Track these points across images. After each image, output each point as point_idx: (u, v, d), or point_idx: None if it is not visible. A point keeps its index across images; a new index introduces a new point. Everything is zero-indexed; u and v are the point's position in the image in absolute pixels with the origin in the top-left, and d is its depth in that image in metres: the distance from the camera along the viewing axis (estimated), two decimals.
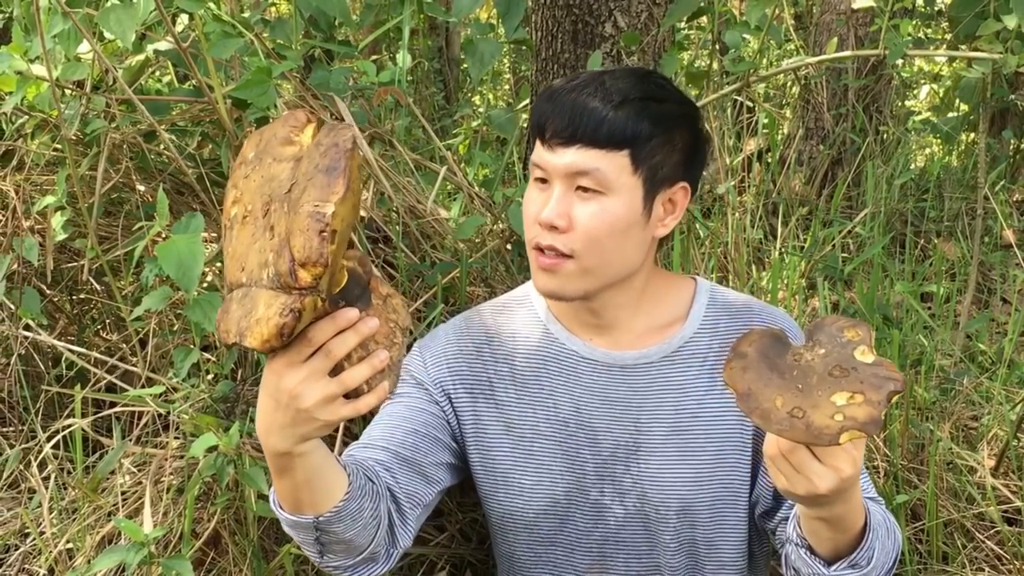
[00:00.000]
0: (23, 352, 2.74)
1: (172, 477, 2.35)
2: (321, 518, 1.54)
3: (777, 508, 1.82)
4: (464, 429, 1.91)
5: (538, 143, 1.74)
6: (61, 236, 2.41)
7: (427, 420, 1.86)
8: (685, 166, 1.78)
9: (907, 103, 6.49)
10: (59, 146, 2.45)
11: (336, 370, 1.33)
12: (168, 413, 2.37)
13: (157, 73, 2.91)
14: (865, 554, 1.55)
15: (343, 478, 1.56)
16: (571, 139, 1.68)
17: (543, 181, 1.74)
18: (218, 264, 2.67)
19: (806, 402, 1.32)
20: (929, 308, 3.72)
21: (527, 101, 3.19)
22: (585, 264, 1.72)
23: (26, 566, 2.46)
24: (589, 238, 1.70)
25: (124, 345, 2.81)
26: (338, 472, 1.55)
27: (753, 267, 3.56)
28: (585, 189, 1.69)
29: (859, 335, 1.42)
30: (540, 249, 1.73)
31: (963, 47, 3.89)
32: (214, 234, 2.62)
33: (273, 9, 4.08)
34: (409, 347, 2.01)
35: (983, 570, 2.57)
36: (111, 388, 2.60)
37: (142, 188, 2.67)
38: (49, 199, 2.39)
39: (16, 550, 2.47)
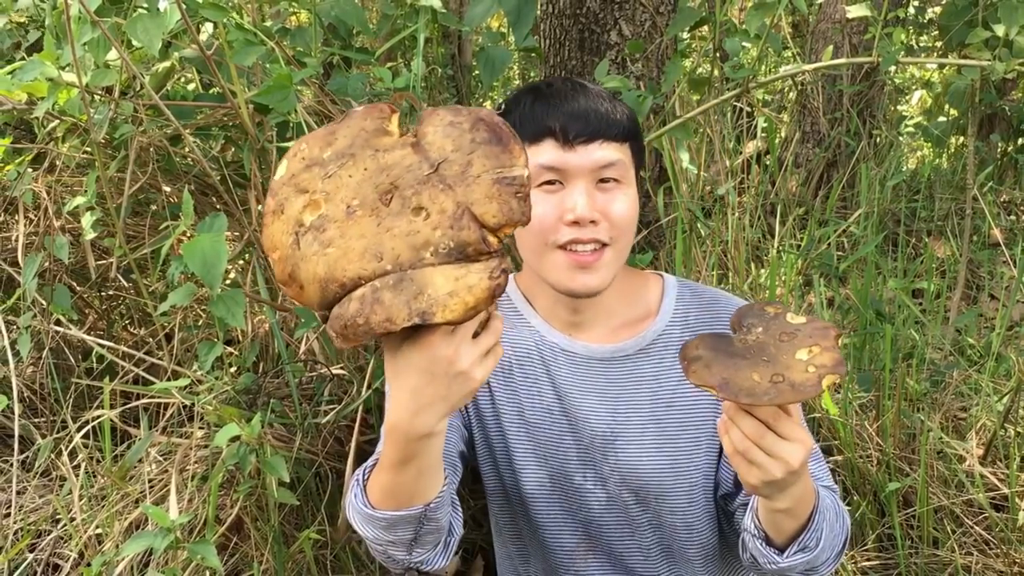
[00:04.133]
0: (54, 346, 2.74)
1: (197, 465, 2.35)
2: (431, 504, 1.54)
3: (737, 492, 1.82)
4: (468, 412, 1.93)
5: (550, 147, 1.72)
6: (91, 235, 2.41)
7: None
8: (642, 154, 1.86)
9: (899, 108, 6.48)
10: (89, 149, 2.45)
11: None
12: (193, 404, 2.37)
13: (182, 79, 2.90)
14: (813, 535, 1.55)
15: (442, 466, 1.56)
16: (594, 136, 1.71)
17: (550, 183, 1.73)
18: (240, 262, 2.67)
19: (779, 367, 1.36)
20: (920, 304, 3.70)
21: None
22: (618, 249, 1.75)
23: (57, 550, 2.46)
24: (624, 223, 1.73)
25: (151, 339, 2.81)
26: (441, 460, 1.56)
27: (752, 265, 3.55)
28: (606, 180, 1.72)
29: (779, 308, 1.49)
30: (568, 248, 1.72)
31: (953, 55, 3.87)
32: (236, 233, 2.62)
33: (293, 18, 4.08)
34: None
35: (971, 554, 2.56)
36: (138, 380, 2.60)
37: (168, 189, 2.67)
38: (79, 199, 2.39)
39: (48, 535, 2.47)
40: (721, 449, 1.85)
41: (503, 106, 1.83)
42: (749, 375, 1.36)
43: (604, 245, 1.72)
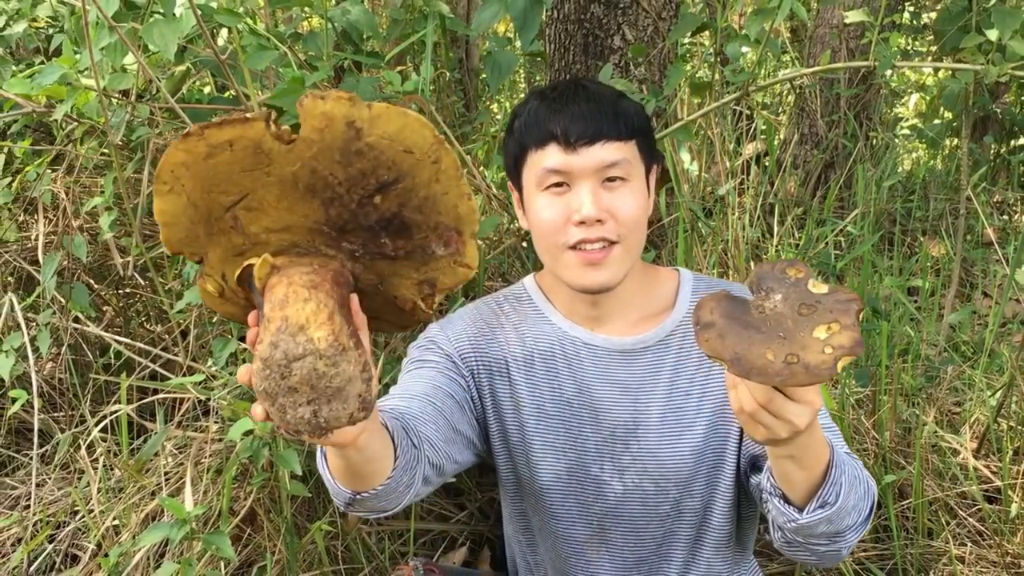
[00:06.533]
0: (72, 343, 2.75)
1: (211, 459, 2.35)
2: (358, 496, 1.51)
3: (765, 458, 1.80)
4: (484, 403, 1.92)
5: (554, 151, 1.72)
6: (108, 234, 2.41)
7: (456, 391, 1.85)
8: (653, 150, 1.84)
9: (895, 111, 6.47)
10: (106, 151, 2.45)
11: None
12: (208, 399, 2.37)
13: (197, 83, 2.91)
14: (832, 490, 1.50)
15: (389, 461, 1.51)
16: (595, 137, 1.70)
17: (558, 186, 1.73)
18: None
19: (795, 346, 1.28)
20: (915, 301, 3.70)
21: None
22: (628, 246, 1.74)
23: (76, 541, 2.46)
24: (632, 221, 1.73)
25: (167, 336, 2.81)
26: (385, 456, 1.50)
27: (752, 263, 3.55)
28: (612, 179, 1.72)
29: (801, 271, 1.39)
30: (578, 248, 1.73)
31: (948, 59, 3.87)
32: None
33: (306, 23, 4.07)
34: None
35: (965, 545, 2.56)
36: (154, 376, 2.60)
37: None
38: (97, 200, 2.39)
39: (67, 526, 2.47)
40: (741, 430, 1.84)
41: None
42: (763, 352, 1.28)
43: (612, 243, 1.72)
